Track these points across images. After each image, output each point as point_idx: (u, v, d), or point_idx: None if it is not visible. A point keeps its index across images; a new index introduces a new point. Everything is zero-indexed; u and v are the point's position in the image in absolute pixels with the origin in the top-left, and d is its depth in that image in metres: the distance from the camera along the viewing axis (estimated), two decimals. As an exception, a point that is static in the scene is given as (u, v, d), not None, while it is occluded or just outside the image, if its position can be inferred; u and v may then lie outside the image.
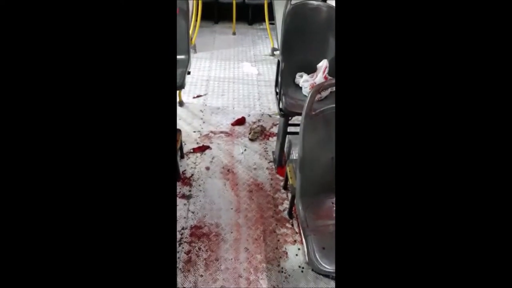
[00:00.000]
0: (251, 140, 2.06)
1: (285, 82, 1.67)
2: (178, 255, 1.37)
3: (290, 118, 1.67)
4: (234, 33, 3.53)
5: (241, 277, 1.30)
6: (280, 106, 1.63)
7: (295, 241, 1.46)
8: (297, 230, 1.50)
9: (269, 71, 2.85)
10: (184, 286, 1.26)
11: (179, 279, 1.28)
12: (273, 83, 1.85)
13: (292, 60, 1.70)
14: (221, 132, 2.12)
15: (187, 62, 1.87)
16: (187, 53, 1.89)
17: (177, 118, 2.24)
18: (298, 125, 1.80)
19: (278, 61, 1.70)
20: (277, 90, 1.71)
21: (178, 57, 1.87)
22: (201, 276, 1.30)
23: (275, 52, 3.09)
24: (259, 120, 2.24)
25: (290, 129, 1.71)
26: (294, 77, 1.75)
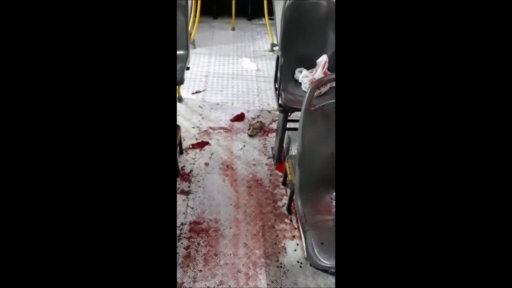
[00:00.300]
0: (250, 136, 2.06)
1: (284, 78, 1.67)
2: (177, 250, 1.38)
3: (289, 114, 1.67)
4: (233, 29, 3.52)
5: (240, 272, 1.31)
6: (280, 102, 1.62)
7: (293, 236, 1.46)
8: (295, 225, 1.51)
9: (268, 66, 2.84)
10: (183, 281, 1.26)
11: (178, 274, 1.28)
12: (272, 79, 1.84)
13: (292, 55, 1.70)
14: (220, 128, 2.12)
15: (186, 57, 1.86)
16: (186, 49, 1.88)
17: (177, 114, 2.23)
18: (297, 121, 1.80)
19: (278, 57, 1.70)
20: (277, 86, 1.70)
21: (177, 52, 1.86)
22: (200, 271, 1.30)
23: (274, 48, 3.08)
24: (258, 116, 2.24)
25: (289, 125, 1.71)
26: (294, 73, 1.74)
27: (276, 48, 3.06)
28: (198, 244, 1.41)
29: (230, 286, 1.26)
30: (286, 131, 1.75)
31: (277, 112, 2.25)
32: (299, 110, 1.57)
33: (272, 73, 2.70)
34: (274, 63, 2.79)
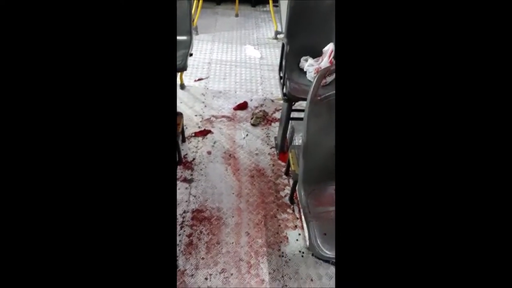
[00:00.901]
0: (253, 125, 2.04)
1: (289, 66, 1.64)
2: (180, 238, 1.38)
3: (293, 103, 1.64)
4: (237, 15, 3.45)
5: (242, 260, 1.32)
6: (284, 91, 1.60)
7: (295, 226, 1.47)
8: (298, 215, 1.51)
9: (272, 55, 2.79)
10: (186, 268, 1.28)
11: (180, 262, 1.30)
12: (276, 67, 1.82)
13: (297, 43, 1.66)
14: (223, 116, 2.10)
15: (189, 43, 1.82)
16: (189, 34, 1.85)
17: (179, 101, 2.21)
18: (301, 110, 1.78)
19: (283, 44, 1.66)
20: (281, 74, 1.67)
21: (180, 38, 1.82)
22: (203, 259, 1.31)
23: (278, 36, 3.02)
24: (261, 105, 2.22)
25: (293, 114, 1.69)
26: (299, 61, 1.71)
27: (280, 35, 3.01)
28: (201, 232, 1.41)
29: (232, 274, 1.27)
30: (290, 121, 1.73)
31: (281, 101, 2.22)
32: (303, 99, 1.54)
33: (276, 61, 2.67)
34: (278, 51, 2.75)
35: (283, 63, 1.64)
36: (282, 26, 3.09)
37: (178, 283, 1.23)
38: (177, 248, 1.34)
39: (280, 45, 1.72)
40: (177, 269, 1.27)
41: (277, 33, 3.04)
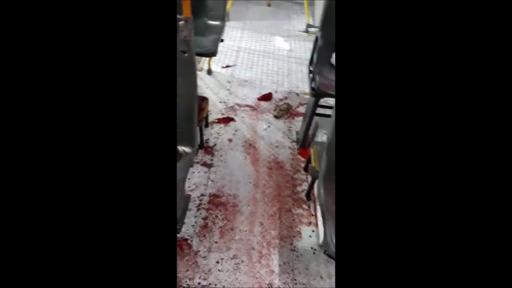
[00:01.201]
0: (276, 117, 2.03)
1: (320, 61, 1.61)
2: (196, 219, 1.41)
3: (320, 99, 1.62)
4: (269, 5, 3.40)
5: (253, 249, 1.33)
6: (312, 85, 1.58)
7: (310, 223, 1.46)
8: (313, 212, 1.50)
9: (302, 48, 2.75)
10: (199, 250, 1.30)
11: (194, 242, 1.32)
12: (305, 61, 1.79)
13: (331, 37, 1.62)
14: (247, 105, 2.10)
15: (221, 29, 1.82)
16: (223, 20, 1.84)
17: (204, 86, 2.23)
18: (326, 107, 1.76)
19: (316, 38, 1.63)
20: (311, 68, 1.65)
21: (212, 23, 1.83)
22: (216, 242, 1.34)
23: (309, 29, 2.97)
24: (285, 98, 2.20)
25: (318, 110, 1.67)
26: (330, 56, 1.67)
27: (312, 29, 2.95)
28: (216, 216, 1.44)
29: (243, 261, 1.29)
30: (314, 116, 1.71)
31: (305, 96, 2.20)
32: (331, 95, 1.52)
33: (305, 55, 2.63)
34: (307, 44, 2.70)
35: (315, 56, 1.61)
36: (314, 19, 3.03)
37: (190, 263, 1.26)
38: (192, 229, 1.37)
39: (311, 38, 1.69)
40: (191, 249, 1.30)
41: (308, 26, 2.99)
